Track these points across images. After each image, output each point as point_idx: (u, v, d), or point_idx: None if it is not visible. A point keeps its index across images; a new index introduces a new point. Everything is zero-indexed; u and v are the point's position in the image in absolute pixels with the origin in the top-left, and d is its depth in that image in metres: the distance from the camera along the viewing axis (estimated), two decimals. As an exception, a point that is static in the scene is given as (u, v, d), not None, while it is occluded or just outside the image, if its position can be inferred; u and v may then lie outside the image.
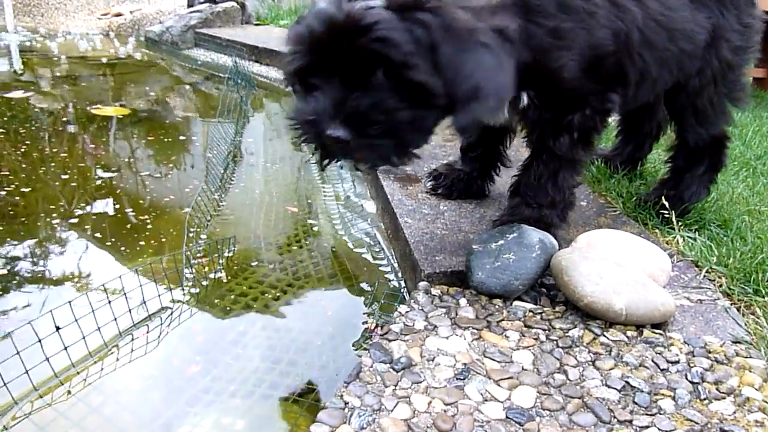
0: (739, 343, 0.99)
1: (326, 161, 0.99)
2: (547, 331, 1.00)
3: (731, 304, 1.10)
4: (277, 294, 1.24)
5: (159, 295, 1.17)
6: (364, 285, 1.30)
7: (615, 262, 1.05)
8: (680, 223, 1.35)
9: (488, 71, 0.92)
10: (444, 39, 0.89)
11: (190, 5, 4.18)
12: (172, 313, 1.16)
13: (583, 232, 1.20)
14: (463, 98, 0.92)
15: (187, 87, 3.01)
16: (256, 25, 4.15)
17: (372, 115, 0.90)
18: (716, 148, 1.41)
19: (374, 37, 0.86)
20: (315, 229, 1.55)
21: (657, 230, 1.38)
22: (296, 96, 0.99)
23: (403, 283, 1.29)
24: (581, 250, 1.09)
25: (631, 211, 1.45)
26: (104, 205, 1.60)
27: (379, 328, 1.12)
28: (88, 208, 1.59)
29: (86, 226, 1.49)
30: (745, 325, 1.04)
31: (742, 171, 1.81)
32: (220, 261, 1.34)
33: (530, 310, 1.05)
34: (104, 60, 3.41)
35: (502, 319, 1.02)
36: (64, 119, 2.25)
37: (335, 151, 0.95)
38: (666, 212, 1.36)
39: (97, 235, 1.45)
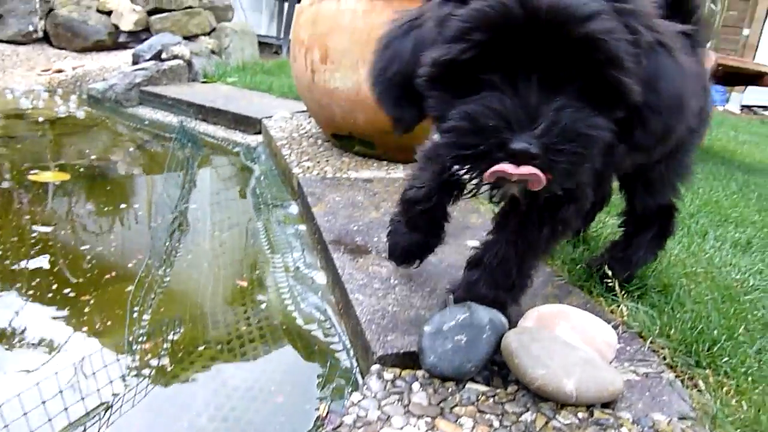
0: (685, 419, 1.02)
1: (489, 188, 0.85)
2: (500, 416, 0.99)
3: (675, 377, 1.13)
4: (226, 379, 1.20)
5: (98, 390, 1.11)
6: (315, 365, 1.27)
7: (564, 341, 1.07)
8: (623, 291, 1.40)
9: (690, 86, 0.86)
10: (653, 43, 0.81)
11: (135, 62, 4.14)
12: (111, 409, 1.10)
13: (531, 305, 1.22)
14: (664, 107, 0.83)
15: (131, 148, 2.95)
16: (203, 82, 4.14)
17: (577, 127, 0.77)
18: (665, 216, 1.45)
19: (597, 29, 0.73)
20: (264, 306, 1.52)
21: (602, 298, 1.41)
22: (438, 98, 0.82)
23: (355, 362, 1.27)
24: (530, 330, 1.11)
25: (576, 280, 1.49)
26: (39, 280, 1.53)
27: (331, 415, 1.10)
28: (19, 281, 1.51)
29: (18, 306, 1.41)
30: (690, 398, 1.07)
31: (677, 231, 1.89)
32: (165, 345, 1.28)
33: (483, 393, 1.05)
34: (42, 119, 3.31)
35: (456, 405, 1.02)
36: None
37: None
38: (609, 281, 1.40)
39: (31, 315, 1.37)
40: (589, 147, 0.78)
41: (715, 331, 1.23)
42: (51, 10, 4.40)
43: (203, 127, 3.34)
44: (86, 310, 1.42)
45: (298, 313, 1.47)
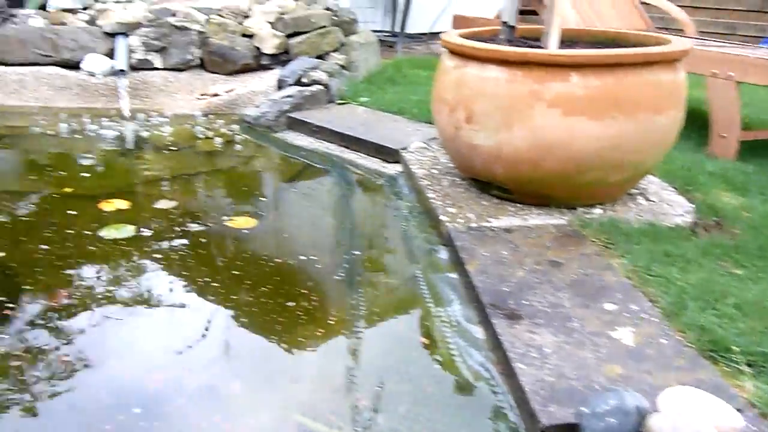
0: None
1: None
2: (646, 488, 1.32)
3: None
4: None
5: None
6: (488, 422, 1.65)
7: (696, 429, 1.37)
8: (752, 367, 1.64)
9: None
10: None
11: (280, 87, 4.64)
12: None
13: (664, 379, 1.51)
14: None
15: (293, 189, 3.42)
16: (339, 104, 4.56)
17: None
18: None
19: None
20: (438, 360, 1.90)
21: (729, 370, 1.67)
22: None
23: (522, 423, 1.63)
24: (670, 417, 1.41)
25: (703, 349, 1.75)
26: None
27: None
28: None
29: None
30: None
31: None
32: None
33: (631, 465, 1.38)
34: (210, 149, 3.88)
35: (610, 475, 1.35)
36: (201, 238, 2.68)
37: None
38: (735, 356, 1.65)
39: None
40: None
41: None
42: (206, 38, 4.98)
43: (346, 155, 3.77)
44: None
45: (467, 370, 1.84)
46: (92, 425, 1.56)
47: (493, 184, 2.76)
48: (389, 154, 3.63)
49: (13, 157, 3.88)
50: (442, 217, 2.64)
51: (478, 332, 2.01)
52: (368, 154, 3.74)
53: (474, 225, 2.57)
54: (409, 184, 3.25)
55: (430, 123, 4.02)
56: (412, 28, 8.03)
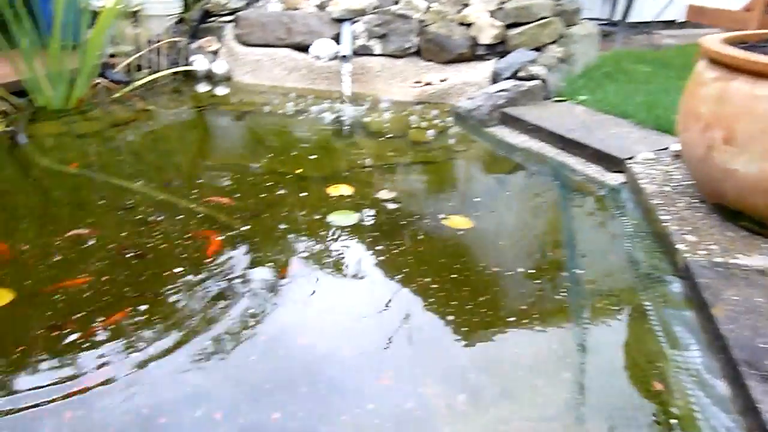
0: None
1: None
2: None
3: None
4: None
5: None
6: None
7: None
8: None
9: None
10: None
11: (494, 80, 4.56)
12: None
13: None
14: None
15: (508, 190, 3.35)
16: (556, 101, 4.36)
17: None
18: None
19: None
20: (676, 414, 1.73)
21: None
22: None
23: None
24: None
25: None
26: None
27: None
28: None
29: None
30: None
31: None
32: None
33: None
34: (423, 140, 3.94)
35: None
36: (418, 234, 2.73)
37: None
38: None
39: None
40: None
41: None
42: (425, 26, 5.05)
43: (562, 158, 3.59)
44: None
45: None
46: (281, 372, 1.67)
47: (745, 215, 2.43)
48: (611, 163, 3.39)
49: (252, 135, 4.30)
50: (679, 246, 2.39)
51: (723, 389, 1.79)
52: (587, 160, 3.53)
53: (719, 260, 2.29)
54: (634, 200, 3.01)
55: (660, 130, 3.69)
56: (634, 17, 7.41)
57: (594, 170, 3.42)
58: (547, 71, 4.54)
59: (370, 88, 5.08)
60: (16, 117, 4.13)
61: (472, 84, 4.73)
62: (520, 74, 4.49)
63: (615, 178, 3.29)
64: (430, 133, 4.07)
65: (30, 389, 1.73)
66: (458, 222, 2.80)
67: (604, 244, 2.71)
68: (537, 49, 4.91)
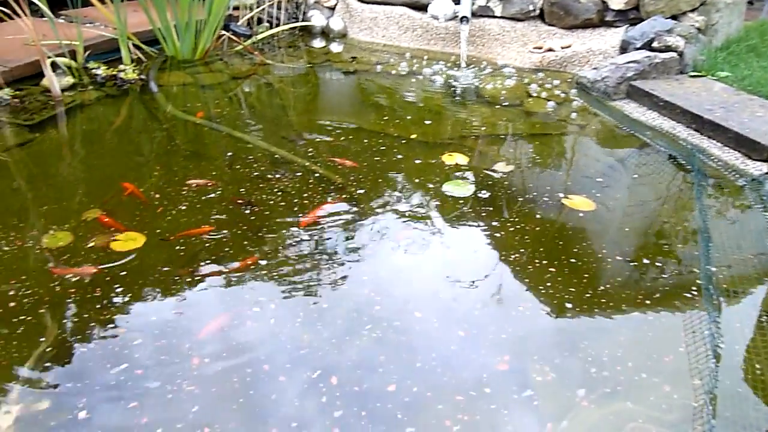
0: None
1: None
2: None
3: None
4: None
5: None
6: None
7: None
8: None
9: None
10: None
11: (623, 50, 4.25)
12: None
13: None
14: None
15: (635, 173, 3.15)
16: (692, 76, 4.01)
17: None
18: None
19: None
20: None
21: None
22: None
23: None
24: None
25: None
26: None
27: None
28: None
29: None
30: None
31: None
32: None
33: None
34: (541, 110, 3.75)
35: None
36: (537, 213, 2.62)
37: None
38: None
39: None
40: None
41: None
42: (550, -12, 4.76)
43: (696, 141, 3.32)
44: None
45: None
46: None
47: None
48: (754, 150, 3.09)
49: (364, 94, 4.29)
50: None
51: None
52: (725, 145, 3.24)
53: None
54: (782, 192, 2.73)
55: (816, 117, 3.30)
56: (787, -17, 6.61)
57: (733, 156, 3.13)
58: (684, 42, 4.16)
59: (487, 51, 4.91)
60: (147, 65, 4.35)
61: (597, 53, 4.44)
62: (655, 44, 4.14)
63: (758, 168, 3.00)
64: (550, 104, 3.88)
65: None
66: (579, 203, 2.66)
67: (741, 240, 2.49)
68: (674, 17, 4.50)
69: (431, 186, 2.78)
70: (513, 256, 2.29)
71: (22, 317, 1.91)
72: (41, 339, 1.82)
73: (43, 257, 2.20)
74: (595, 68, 4.15)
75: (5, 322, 1.88)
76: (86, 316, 1.92)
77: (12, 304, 1.96)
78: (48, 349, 1.79)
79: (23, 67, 3.82)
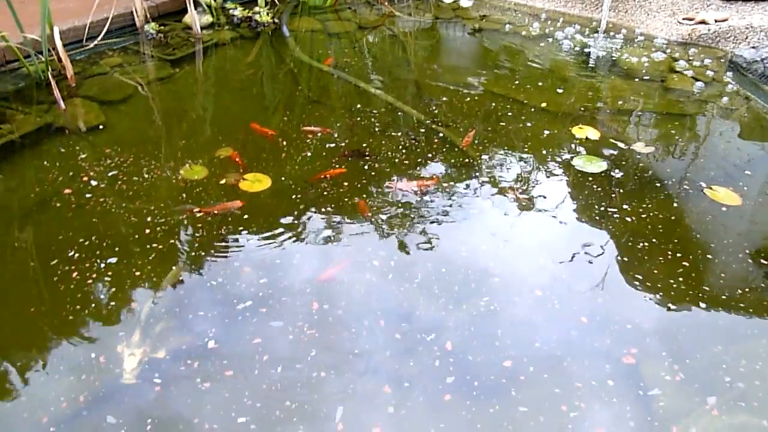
0: None
1: None
2: None
3: None
4: None
5: None
6: None
7: None
8: None
9: None
10: None
11: (792, 28, 3.78)
12: None
13: None
14: None
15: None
16: None
17: None
18: None
19: None
20: None
21: None
22: None
23: None
24: None
25: None
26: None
27: None
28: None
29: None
30: None
31: None
32: None
33: None
34: (685, 88, 3.45)
35: None
36: (673, 201, 2.43)
37: None
38: None
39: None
40: None
41: None
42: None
43: None
44: None
45: None
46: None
47: None
48: None
49: (491, 55, 4.13)
50: None
51: None
52: None
53: None
54: None
55: None
56: None
57: None
58: None
59: (630, 19, 4.55)
60: (280, 9, 4.42)
61: (758, 30, 3.99)
62: (831, 25, 3.66)
63: None
64: (698, 84, 3.54)
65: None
66: (724, 196, 2.44)
67: None
68: None
69: (560, 158, 2.65)
70: (643, 244, 2.15)
71: (155, 245, 2.04)
72: (172, 267, 1.94)
73: (179, 187, 2.33)
74: (753, 47, 3.74)
75: (142, 248, 2.02)
76: (212, 251, 2.02)
77: (147, 230, 2.10)
78: (180, 277, 1.91)
79: (169, 3, 4.00)
